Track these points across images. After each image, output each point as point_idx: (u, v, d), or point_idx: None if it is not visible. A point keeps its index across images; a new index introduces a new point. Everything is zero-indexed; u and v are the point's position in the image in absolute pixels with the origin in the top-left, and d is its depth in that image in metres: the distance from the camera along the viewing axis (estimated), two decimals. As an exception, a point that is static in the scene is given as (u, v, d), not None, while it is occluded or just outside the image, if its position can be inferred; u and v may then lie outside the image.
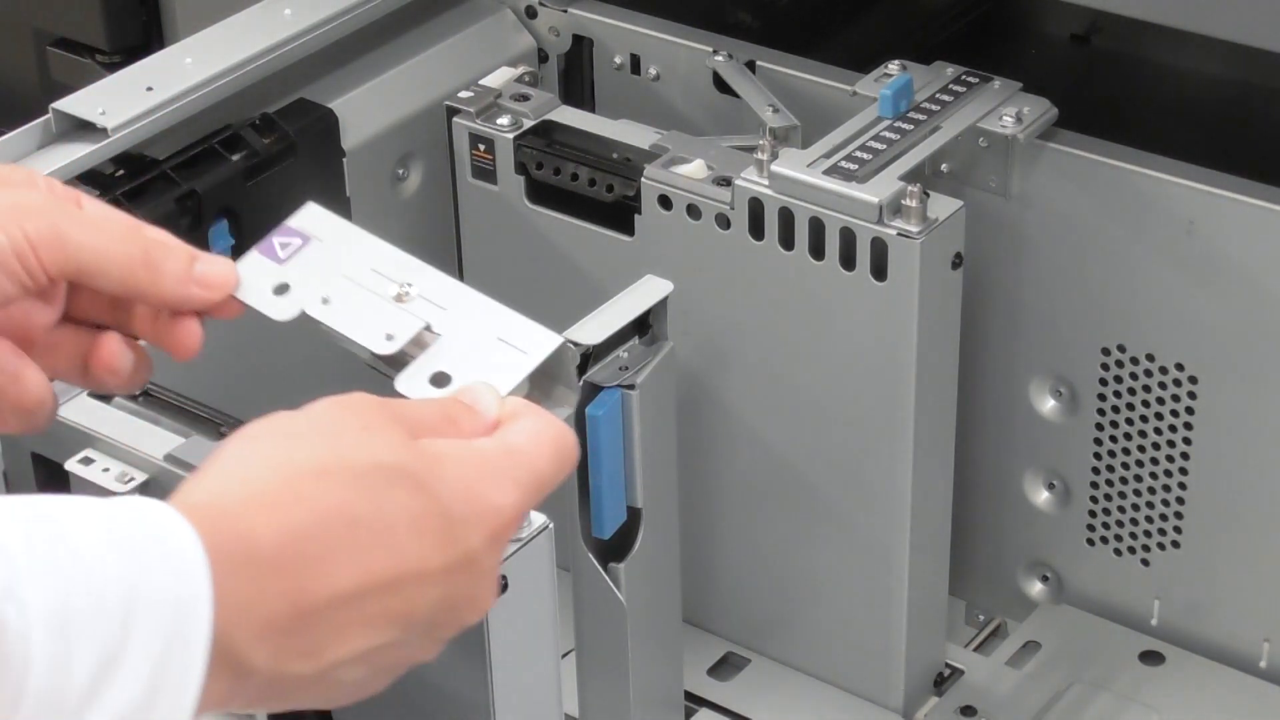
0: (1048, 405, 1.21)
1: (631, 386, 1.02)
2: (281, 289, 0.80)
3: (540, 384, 0.79)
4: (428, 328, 0.78)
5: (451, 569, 0.67)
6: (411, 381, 0.77)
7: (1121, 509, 1.22)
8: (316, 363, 1.21)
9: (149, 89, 1.12)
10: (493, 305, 0.79)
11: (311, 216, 0.83)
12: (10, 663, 0.56)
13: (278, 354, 1.19)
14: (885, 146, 1.10)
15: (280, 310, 0.80)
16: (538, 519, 0.85)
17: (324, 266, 0.81)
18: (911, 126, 1.12)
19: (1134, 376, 1.17)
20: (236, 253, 1.15)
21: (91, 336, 0.80)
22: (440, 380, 0.76)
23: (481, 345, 0.78)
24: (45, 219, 0.75)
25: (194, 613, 0.60)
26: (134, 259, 0.77)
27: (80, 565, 0.59)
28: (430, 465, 0.68)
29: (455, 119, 1.19)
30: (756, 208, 1.10)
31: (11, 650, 0.56)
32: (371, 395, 0.71)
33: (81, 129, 1.10)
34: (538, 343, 0.78)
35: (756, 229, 1.10)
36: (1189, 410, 1.16)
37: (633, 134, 1.16)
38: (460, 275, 1.24)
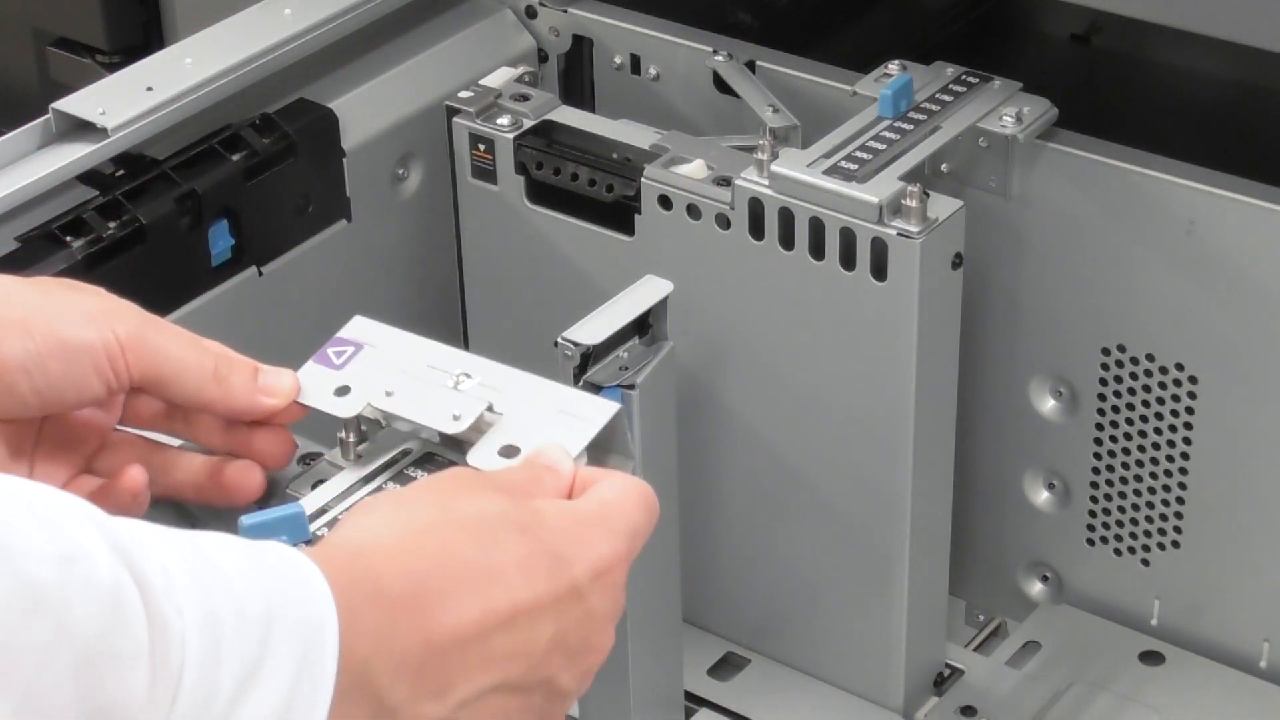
0: (1048, 405, 1.21)
1: (631, 386, 1.02)
2: (342, 390, 0.85)
3: (595, 455, 0.83)
4: (490, 408, 0.83)
5: (562, 601, 0.72)
6: (482, 456, 0.82)
7: (1121, 509, 1.22)
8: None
9: (149, 89, 1.12)
10: (547, 383, 0.85)
11: (360, 326, 0.88)
12: (170, 663, 0.61)
13: (278, 354, 1.19)
14: (885, 146, 1.10)
15: (344, 408, 0.85)
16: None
17: (380, 366, 0.86)
18: (911, 126, 1.12)
19: (1134, 376, 1.17)
20: (237, 252, 1.15)
21: (147, 445, 0.87)
22: (509, 452, 0.81)
23: (543, 418, 0.83)
24: (134, 323, 0.81)
25: (324, 635, 0.64)
26: (206, 370, 0.83)
27: (225, 583, 0.63)
28: (532, 515, 0.73)
29: (455, 119, 1.19)
30: (756, 208, 1.10)
31: (171, 651, 0.60)
32: (467, 468, 0.79)
33: (81, 129, 1.10)
34: (597, 410, 0.83)
35: (756, 229, 1.10)
36: (1189, 410, 1.16)
37: (633, 134, 1.16)
38: (460, 275, 1.24)
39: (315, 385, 0.86)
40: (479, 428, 0.83)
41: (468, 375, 0.84)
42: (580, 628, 0.73)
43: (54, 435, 0.84)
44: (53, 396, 0.81)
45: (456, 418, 0.83)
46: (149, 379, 0.82)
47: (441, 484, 0.75)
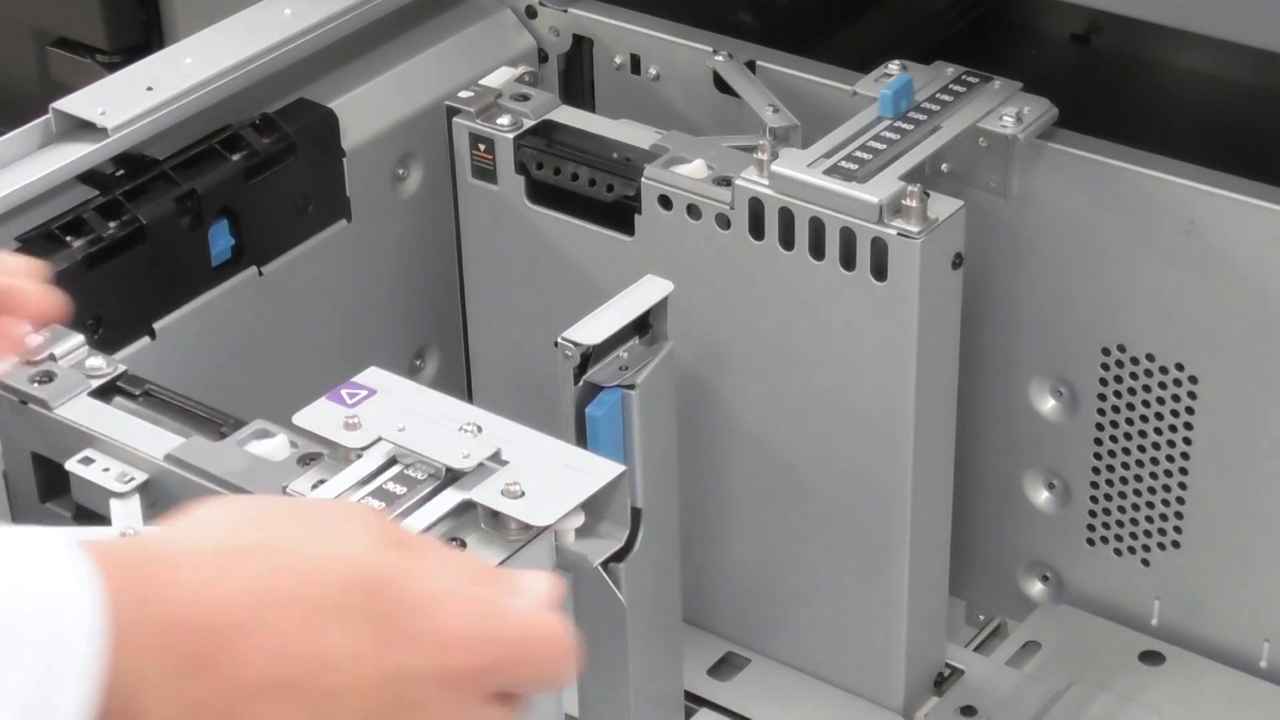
0: (1048, 405, 1.21)
1: (631, 386, 1.02)
2: (353, 424, 0.86)
3: (592, 514, 0.85)
4: (498, 453, 0.84)
5: (387, 688, 0.62)
6: (485, 492, 0.82)
7: (1121, 509, 1.22)
8: (317, 364, 1.21)
9: (149, 89, 1.12)
10: (557, 441, 0.86)
11: (374, 375, 0.89)
12: None
13: (278, 354, 1.19)
14: (885, 146, 1.10)
15: (354, 439, 0.86)
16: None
17: (392, 407, 0.87)
18: (911, 126, 1.12)
19: (1134, 376, 1.17)
20: (237, 252, 1.15)
21: None
22: (512, 492, 0.82)
23: (549, 469, 0.84)
24: None
25: (75, 643, 0.59)
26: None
27: None
28: (399, 594, 0.63)
29: (455, 119, 1.19)
30: (756, 208, 1.10)
31: None
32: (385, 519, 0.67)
33: (81, 129, 1.10)
34: (602, 468, 0.84)
35: (756, 229, 1.10)
36: (1189, 410, 1.16)
37: (633, 134, 1.16)
38: (460, 275, 1.24)
39: (326, 418, 0.86)
40: (488, 472, 0.84)
41: (478, 428, 0.85)
42: None
43: None
44: None
45: (466, 456, 0.84)
46: None
47: (326, 511, 0.66)
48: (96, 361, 0.95)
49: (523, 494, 0.82)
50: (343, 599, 0.62)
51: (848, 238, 1.07)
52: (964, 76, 1.16)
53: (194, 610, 0.61)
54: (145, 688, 0.60)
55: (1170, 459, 1.18)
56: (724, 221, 1.11)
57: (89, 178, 1.10)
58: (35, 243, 1.07)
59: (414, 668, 0.63)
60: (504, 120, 1.17)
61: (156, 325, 1.11)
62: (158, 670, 0.60)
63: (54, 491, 0.94)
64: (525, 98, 1.19)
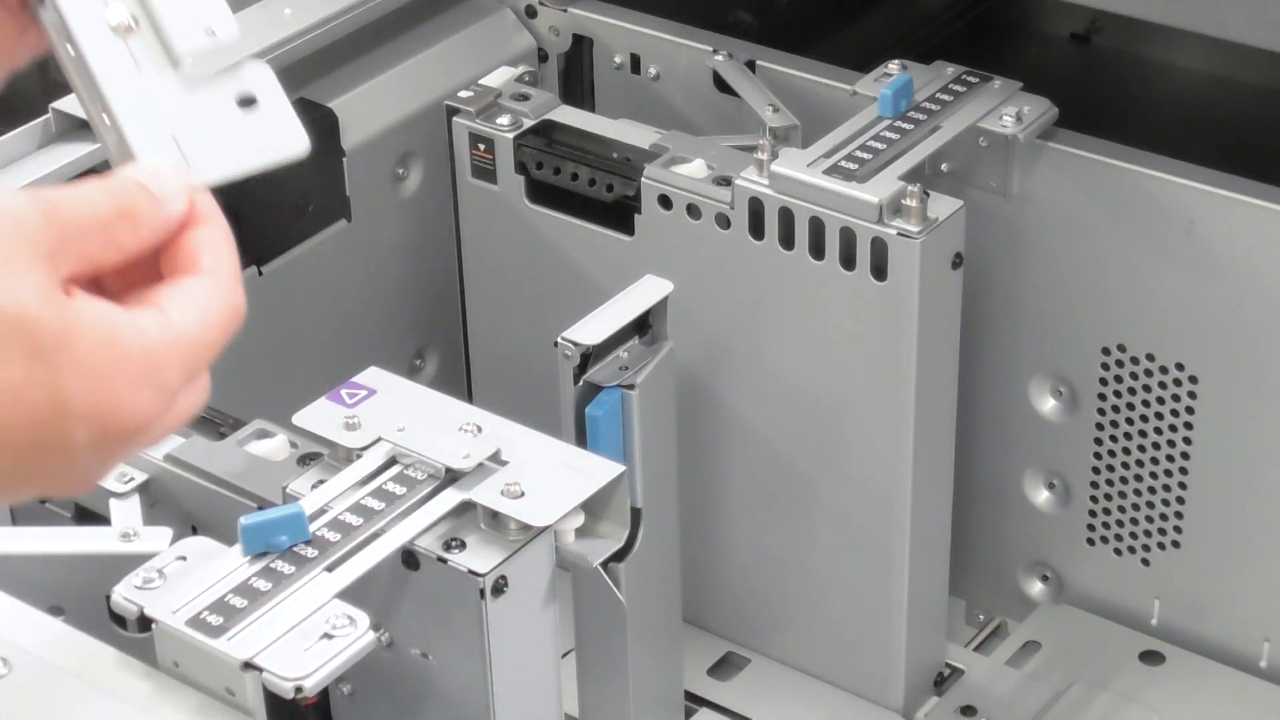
0: (1048, 405, 1.21)
1: (631, 386, 1.02)
2: (353, 424, 0.86)
3: (592, 514, 0.85)
4: (498, 453, 0.84)
5: (41, 451, 0.58)
6: (485, 493, 0.83)
7: (1121, 509, 1.22)
8: (316, 363, 1.21)
9: (149, 89, 1.12)
10: (557, 441, 0.86)
11: (375, 375, 0.89)
12: None
13: (278, 354, 1.19)
14: (885, 146, 1.10)
15: (354, 439, 0.86)
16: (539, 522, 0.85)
17: (392, 408, 0.87)
18: (911, 126, 1.12)
19: (1134, 376, 1.17)
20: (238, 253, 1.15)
21: None
22: (512, 492, 0.82)
23: (549, 468, 0.84)
24: None
25: None
26: None
27: None
28: (63, 334, 0.58)
29: (455, 119, 1.19)
30: (756, 207, 1.10)
31: None
32: (38, 200, 0.59)
33: (81, 129, 1.10)
34: (602, 468, 0.84)
35: (756, 229, 1.10)
36: (1189, 410, 1.16)
37: (633, 134, 1.16)
38: (460, 275, 1.24)
39: (326, 418, 0.87)
40: (488, 472, 0.84)
41: (478, 428, 0.85)
42: (52, 475, 0.59)
43: None
44: None
45: (466, 456, 0.84)
46: None
47: None
48: (96, 361, 0.94)
49: (523, 494, 0.82)
50: (8, 355, 0.57)
51: (848, 238, 1.07)
52: (964, 76, 1.16)
53: None
54: None
55: (1170, 459, 1.18)
56: (724, 221, 1.11)
57: (89, 177, 1.10)
58: (35, 243, 1.06)
59: (80, 412, 0.59)
60: (504, 120, 1.17)
61: (156, 325, 1.11)
62: None
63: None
64: (525, 97, 1.19)
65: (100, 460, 0.60)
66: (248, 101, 0.67)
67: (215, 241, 0.63)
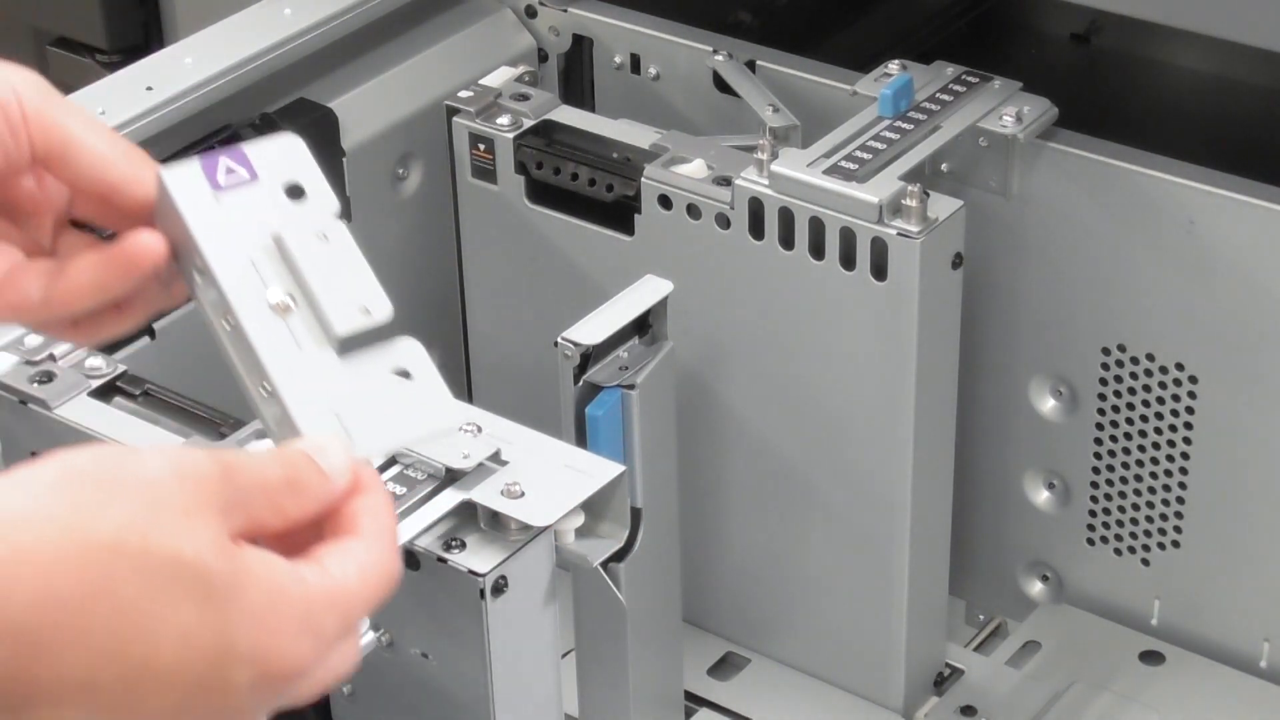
0: (1048, 405, 1.21)
1: (631, 386, 1.02)
2: None
3: (592, 514, 0.85)
4: (498, 453, 0.84)
5: (204, 690, 0.60)
6: (485, 493, 0.83)
7: (1121, 509, 1.22)
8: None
9: (149, 89, 1.12)
10: (557, 441, 0.86)
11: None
12: None
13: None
14: (885, 146, 1.10)
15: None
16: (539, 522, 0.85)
17: None
18: (911, 126, 1.12)
19: (1134, 376, 1.17)
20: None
21: None
22: (512, 492, 0.82)
23: (548, 469, 0.84)
24: (41, 94, 0.70)
25: None
26: (118, 147, 0.71)
27: None
28: (234, 582, 0.60)
29: (455, 119, 1.19)
30: (756, 207, 1.10)
31: None
32: (216, 461, 0.62)
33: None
34: (602, 468, 0.84)
35: (756, 229, 1.10)
36: (1189, 410, 1.16)
37: (633, 134, 1.16)
38: (460, 275, 1.24)
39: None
40: (488, 471, 0.84)
41: (478, 428, 0.85)
42: (209, 712, 0.61)
43: None
44: None
45: (466, 456, 0.84)
46: (53, 151, 0.69)
47: (165, 488, 0.60)
48: (96, 361, 0.95)
49: (522, 494, 0.82)
50: (181, 612, 0.59)
51: (848, 237, 1.07)
52: (964, 76, 1.16)
53: (22, 611, 0.57)
54: None
55: (1170, 459, 1.18)
56: (724, 221, 1.11)
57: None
58: (35, 243, 1.06)
59: (245, 656, 0.61)
60: (504, 120, 1.17)
61: (156, 325, 1.11)
62: None
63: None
64: (525, 97, 1.19)
65: (257, 703, 0.62)
66: (402, 374, 0.70)
67: (376, 509, 0.66)
